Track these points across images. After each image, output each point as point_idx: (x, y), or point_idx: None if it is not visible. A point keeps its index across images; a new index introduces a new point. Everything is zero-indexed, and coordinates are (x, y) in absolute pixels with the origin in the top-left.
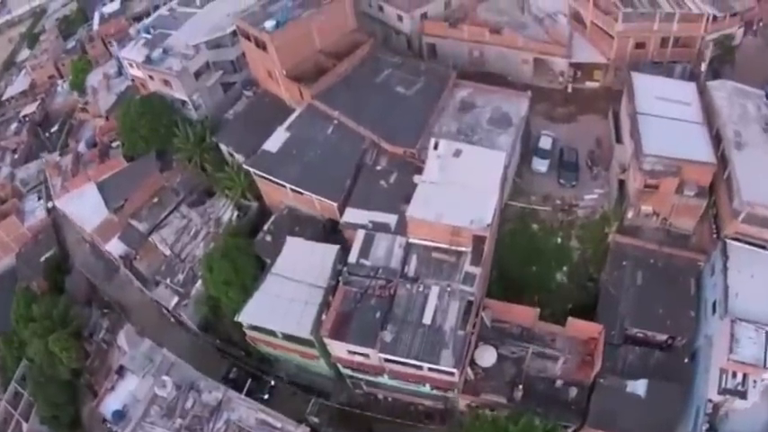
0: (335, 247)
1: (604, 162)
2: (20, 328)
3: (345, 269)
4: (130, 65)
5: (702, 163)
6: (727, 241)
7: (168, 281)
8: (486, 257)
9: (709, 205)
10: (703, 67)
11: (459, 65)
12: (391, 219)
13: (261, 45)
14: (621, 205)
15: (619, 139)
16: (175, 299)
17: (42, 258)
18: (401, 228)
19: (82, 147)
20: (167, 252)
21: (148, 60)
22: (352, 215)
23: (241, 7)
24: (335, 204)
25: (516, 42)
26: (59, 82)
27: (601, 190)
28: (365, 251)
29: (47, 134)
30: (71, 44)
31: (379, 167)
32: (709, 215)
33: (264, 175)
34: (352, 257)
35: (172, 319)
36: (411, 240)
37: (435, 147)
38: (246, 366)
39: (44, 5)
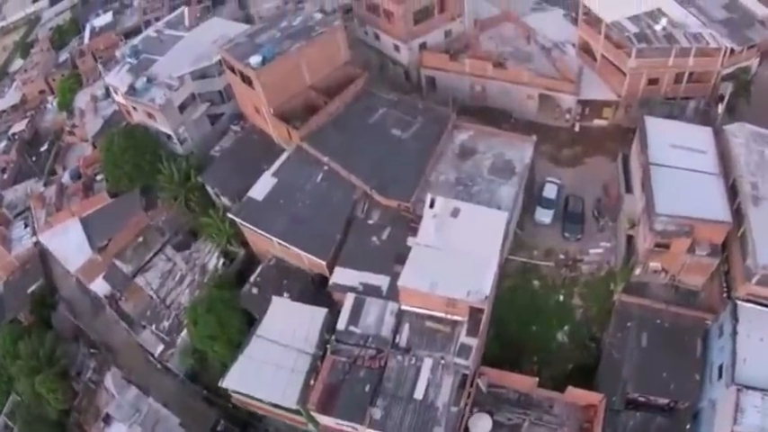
0: (323, 311)
1: (612, 212)
2: (7, 363)
3: (334, 337)
4: (115, 92)
5: (717, 222)
6: (738, 303)
7: (154, 327)
8: (484, 327)
9: (721, 262)
10: (720, 108)
11: (460, 99)
12: (383, 281)
13: (246, 80)
14: (628, 261)
15: (629, 188)
16: (161, 346)
17: (29, 290)
18: (393, 292)
19: (66, 178)
20: (153, 295)
21: (132, 90)
22: (341, 276)
23: (229, 33)
24: (324, 262)
25: (521, 78)
26: (50, 98)
27: (607, 243)
28: (355, 317)
29: (33, 158)
30: (63, 56)
31: (371, 221)
32: (720, 271)
33: (250, 226)
34: (341, 324)
35: (158, 365)
36: (403, 307)
37: (431, 204)
38: (235, 419)
39: (39, 12)
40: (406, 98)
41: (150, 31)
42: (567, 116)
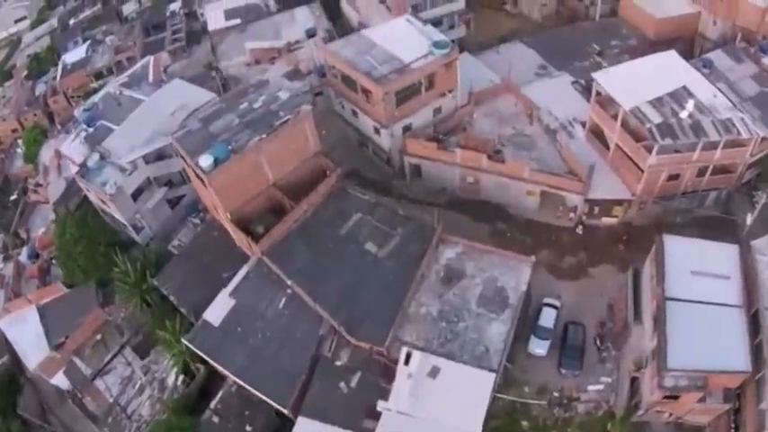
0: None
1: (616, 340)
2: None
3: None
4: (71, 162)
5: (736, 372)
6: None
7: None
8: None
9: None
10: (750, 218)
11: (450, 190)
12: None
13: (199, 177)
14: (630, 403)
15: (638, 314)
16: None
17: None
18: None
19: (24, 257)
20: (113, 402)
21: (85, 169)
22: (304, 428)
23: (189, 102)
24: (285, 410)
25: (521, 173)
26: (20, 141)
27: (608, 378)
28: None
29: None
30: (40, 88)
31: (339, 362)
32: (730, 410)
33: (205, 357)
34: None
35: None
36: None
37: (407, 360)
38: None
39: (21, 34)
40: (385, 203)
41: (111, 88)
42: (572, 215)
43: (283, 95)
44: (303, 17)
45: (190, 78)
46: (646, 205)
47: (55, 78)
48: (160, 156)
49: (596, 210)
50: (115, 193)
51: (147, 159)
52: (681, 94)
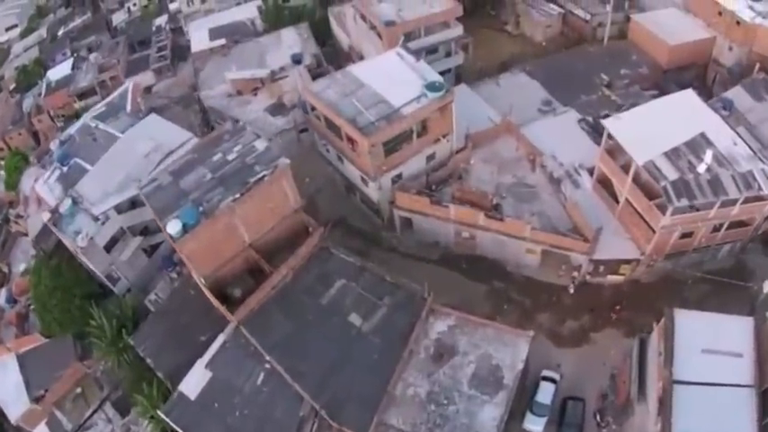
0: None
1: (618, 415)
2: None
3: None
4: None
5: None
6: None
7: None
8: None
9: None
10: (766, 287)
11: (443, 243)
12: None
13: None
14: None
15: (642, 390)
16: None
17: None
18: None
19: (2, 300)
20: None
21: (57, 215)
22: None
23: (164, 143)
24: None
25: (521, 232)
26: (2, 163)
27: None
28: None
29: None
30: (27, 102)
31: None
32: None
33: None
34: None
35: None
36: None
37: None
38: None
39: (11, 42)
40: (371, 267)
41: (88, 119)
42: (576, 274)
43: (260, 146)
44: (290, 39)
45: (175, 100)
46: (655, 262)
47: (40, 95)
48: (133, 204)
49: (602, 268)
50: (87, 246)
51: (120, 209)
52: (699, 144)
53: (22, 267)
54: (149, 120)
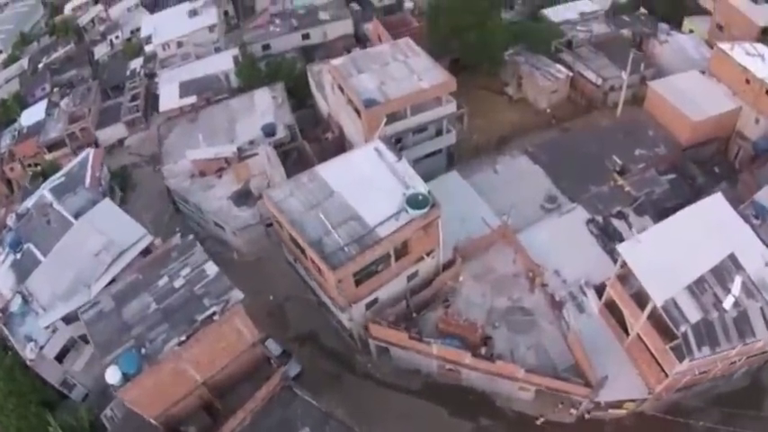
0: None
1: None
2: None
3: None
4: None
5: None
6: None
7: None
8: None
9: None
10: None
11: (425, 372)
12: None
13: None
14: None
15: None
16: None
17: None
18: None
19: None
20: None
21: (8, 314)
22: None
23: (115, 240)
24: None
25: (514, 374)
26: None
27: None
28: None
29: None
30: (5, 139)
31: None
32: None
33: None
34: None
35: None
36: None
37: None
38: None
39: None
40: (338, 416)
41: (46, 190)
42: (574, 411)
43: (210, 271)
44: (263, 104)
45: (146, 159)
46: (663, 397)
47: (13, 138)
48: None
49: (603, 404)
50: (35, 359)
51: (68, 320)
52: (727, 269)
53: None
54: (103, 207)
